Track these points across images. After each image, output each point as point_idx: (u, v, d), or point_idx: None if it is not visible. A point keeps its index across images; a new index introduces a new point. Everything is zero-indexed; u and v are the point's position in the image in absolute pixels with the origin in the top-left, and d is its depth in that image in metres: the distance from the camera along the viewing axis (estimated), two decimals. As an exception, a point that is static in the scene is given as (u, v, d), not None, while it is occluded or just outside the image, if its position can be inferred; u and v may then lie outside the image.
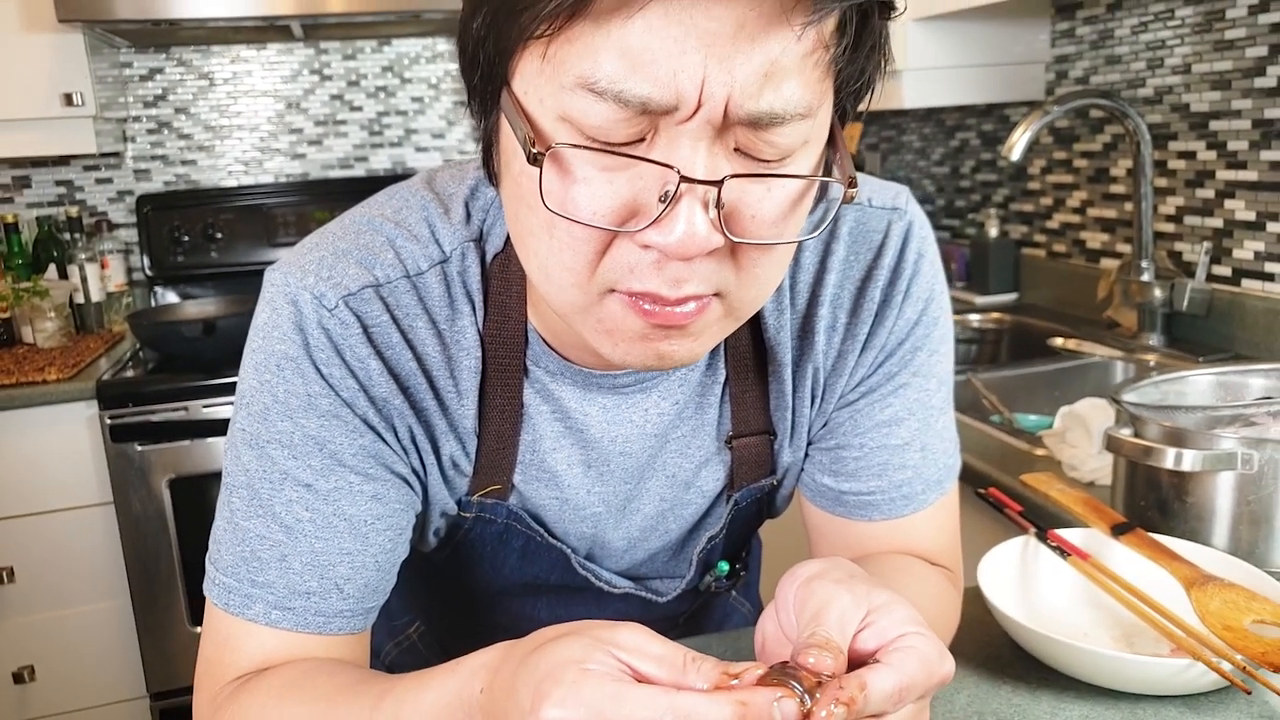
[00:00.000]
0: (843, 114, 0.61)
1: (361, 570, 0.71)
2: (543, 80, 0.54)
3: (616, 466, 0.78)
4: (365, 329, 0.69)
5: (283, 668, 0.69)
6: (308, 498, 0.69)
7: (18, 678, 2.25)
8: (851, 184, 0.58)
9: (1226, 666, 0.75)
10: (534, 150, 0.54)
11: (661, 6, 0.50)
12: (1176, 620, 0.82)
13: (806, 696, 0.49)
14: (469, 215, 0.73)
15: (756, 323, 0.77)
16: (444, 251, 0.71)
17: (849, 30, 0.55)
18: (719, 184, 0.53)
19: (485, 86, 0.59)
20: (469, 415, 0.73)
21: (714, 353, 0.77)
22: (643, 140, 0.54)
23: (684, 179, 0.53)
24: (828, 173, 0.60)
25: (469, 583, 0.87)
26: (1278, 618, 0.81)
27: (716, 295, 0.59)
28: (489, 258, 0.72)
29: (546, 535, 0.80)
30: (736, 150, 0.55)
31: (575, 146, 0.54)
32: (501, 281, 0.72)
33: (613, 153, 0.54)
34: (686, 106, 0.52)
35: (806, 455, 0.83)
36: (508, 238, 0.71)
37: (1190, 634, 0.79)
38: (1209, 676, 0.76)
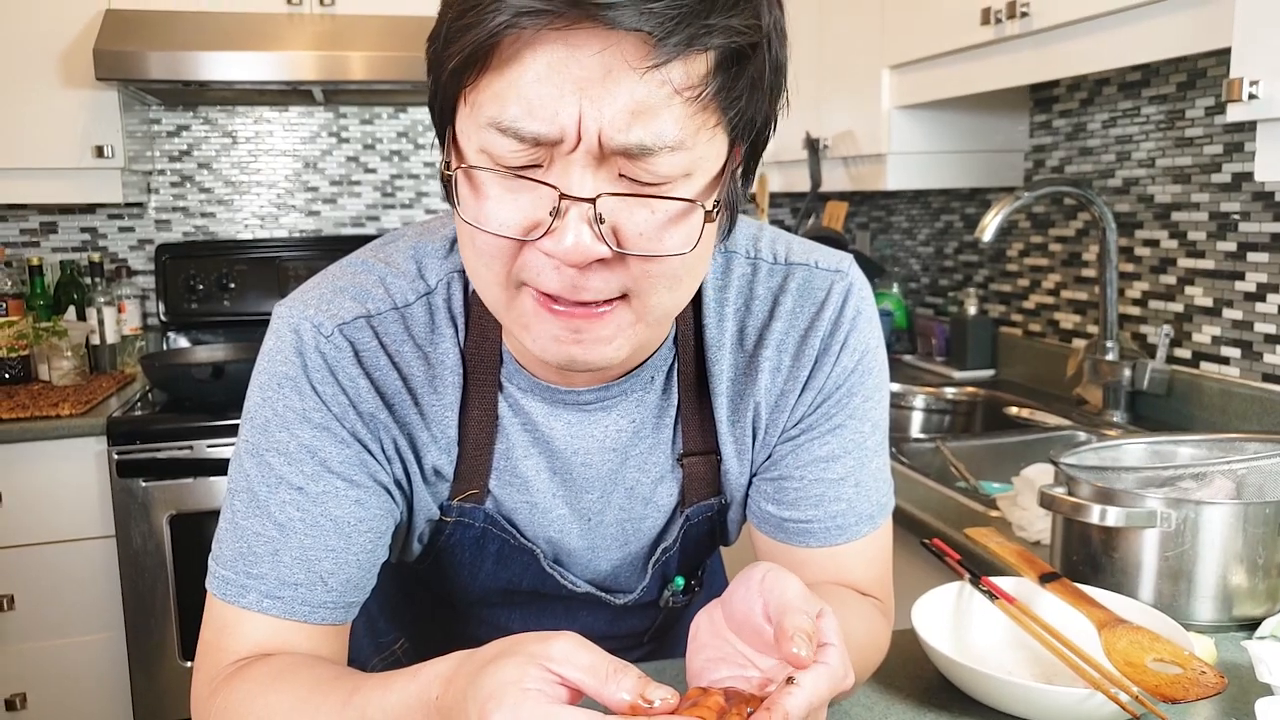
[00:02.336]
0: (752, 148, 0.71)
1: (344, 566, 0.80)
2: (469, 122, 0.66)
3: (579, 476, 0.88)
4: (356, 353, 0.80)
5: (269, 659, 0.77)
6: (299, 499, 0.78)
7: (10, 704, 2.31)
8: (719, 210, 0.68)
9: (1124, 698, 0.83)
10: (447, 172, 0.67)
11: (545, 57, 0.62)
12: (1084, 656, 0.90)
13: None
14: (451, 248, 0.84)
15: (703, 355, 0.87)
16: (429, 284, 0.83)
17: (720, 73, 0.64)
18: (593, 201, 0.64)
19: (441, 133, 0.72)
20: (451, 424, 0.83)
21: (669, 380, 0.88)
22: (540, 166, 0.65)
23: (564, 196, 0.64)
24: (718, 198, 0.70)
25: (449, 593, 0.96)
26: (1175, 657, 0.89)
27: (623, 299, 0.69)
28: (471, 286, 0.83)
29: (519, 536, 0.89)
30: (621, 176, 0.65)
31: (479, 169, 0.66)
32: (481, 306, 0.82)
33: (512, 175, 0.65)
34: (569, 140, 0.63)
35: (753, 484, 0.92)
36: None
37: (1095, 668, 0.88)
38: (1110, 707, 0.84)
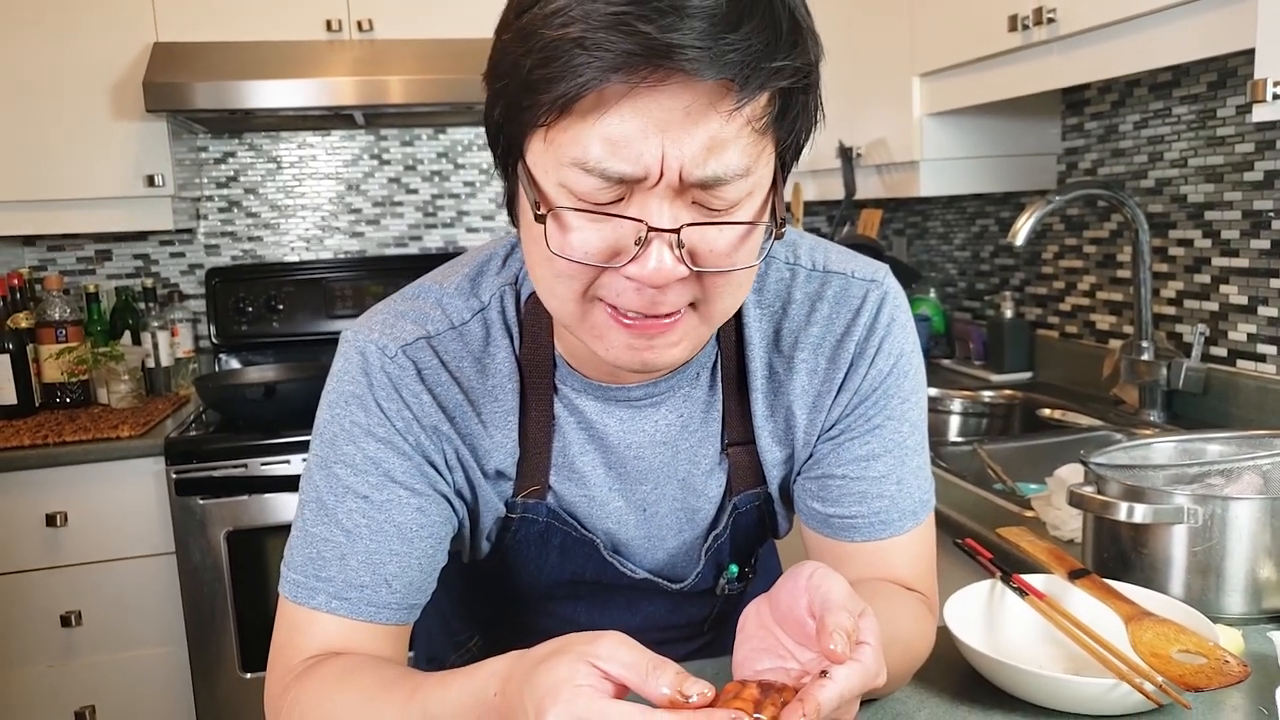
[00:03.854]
0: (784, 164, 0.77)
1: (407, 569, 0.86)
2: (546, 158, 0.71)
3: (633, 469, 0.94)
4: (419, 371, 0.87)
5: (336, 659, 0.83)
6: (365, 507, 0.85)
7: (80, 717, 2.39)
8: (781, 226, 0.75)
9: (1149, 687, 0.86)
10: (539, 212, 0.72)
11: (629, 104, 0.66)
12: (1111, 648, 0.92)
13: (760, 717, 0.61)
14: (505, 264, 0.92)
15: (742, 354, 0.93)
16: (483, 301, 0.90)
17: (777, 103, 0.70)
18: (677, 231, 0.70)
19: (505, 159, 0.77)
20: (511, 428, 0.90)
21: (713, 376, 0.93)
22: (621, 200, 0.70)
23: (651, 229, 0.69)
24: (773, 213, 0.76)
25: (518, 589, 1.02)
26: (1200, 648, 0.91)
27: (691, 306, 0.75)
28: (523, 297, 0.90)
29: (580, 529, 0.95)
30: (694, 203, 0.71)
31: (570, 209, 0.71)
32: (533, 316, 0.89)
33: (600, 213, 0.70)
34: (652, 177, 0.68)
35: (798, 483, 0.97)
36: None
37: (1121, 659, 0.90)
38: (1134, 697, 0.86)
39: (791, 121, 0.73)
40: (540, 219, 0.71)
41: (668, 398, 0.92)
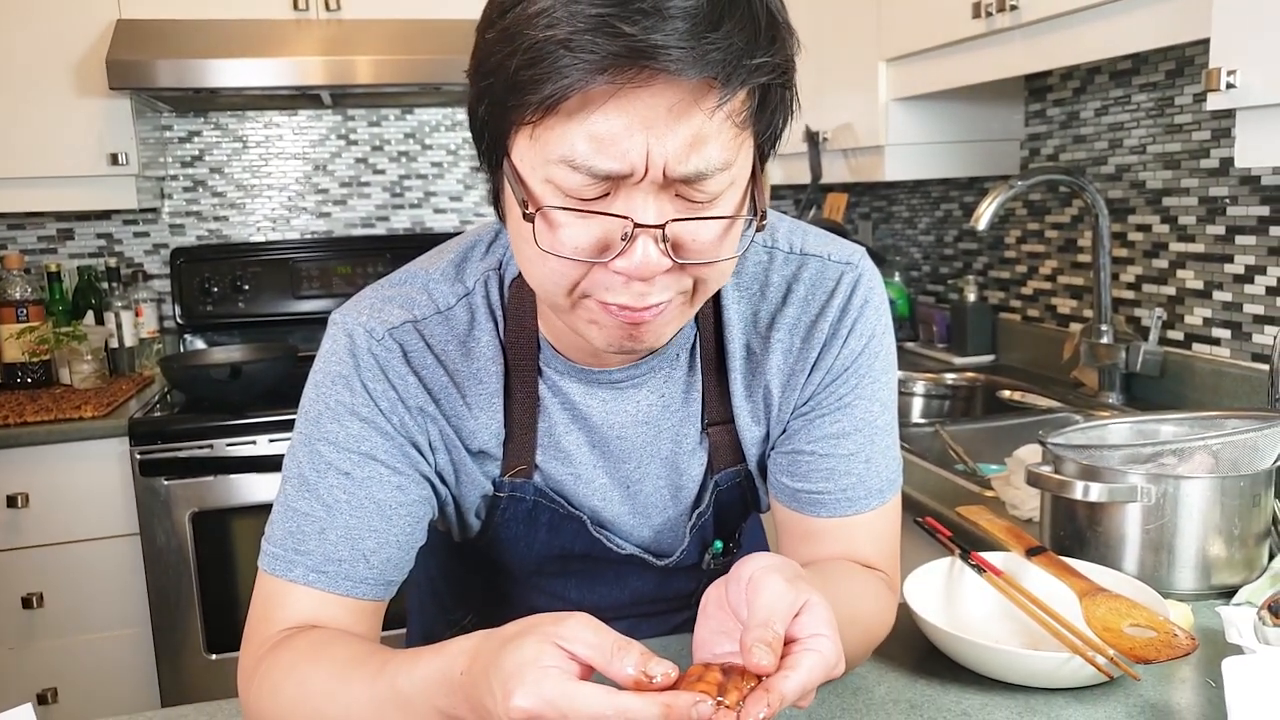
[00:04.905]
0: (762, 155, 0.79)
1: (385, 545, 0.87)
2: (532, 154, 0.72)
3: (616, 448, 0.96)
4: (405, 354, 0.88)
5: (309, 632, 0.84)
6: (346, 483, 0.86)
7: (42, 699, 2.38)
8: (762, 218, 0.77)
9: (1100, 660, 0.89)
10: (528, 211, 0.73)
11: (614, 103, 0.67)
12: (1065, 623, 0.95)
13: (723, 700, 0.63)
14: (489, 250, 0.93)
15: (721, 335, 0.95)
16: (467, 286, 0.91)
17: (756, 97, 0.72)
18: (662, 227, 0.71)
19: (490, 154, 0.78)
20: (496, 409, 0.92)
21: (692, 357, 0.96)
22: (607, 195, 0.71)
23: (637, 225, 0.71)
24: (751, 203, 0.78)
25: (509, 565, 1.03)
26: (1151, 622, 0.94)
27: (680, 292, 0.77)
28: (507, 282, 0.92)
29: (567, 505, 0.97)
30: (677, 196, 0.72)
31: (558, 208, 0.72)
32: (517, 300, 0.91)
33: (587, 210, 0.72)
34: (637, 174, 0.70)
35: (771, 458, 0.99)
36: None
37: (1075, 633, 0.93)
38: (1088, 670, 0.89)
39: (770, 114, 0.75)
40: (529, 218, 0.73)
41: (649, 379, 0.94)
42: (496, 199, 0.82)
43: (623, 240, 0.71)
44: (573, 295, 0.77)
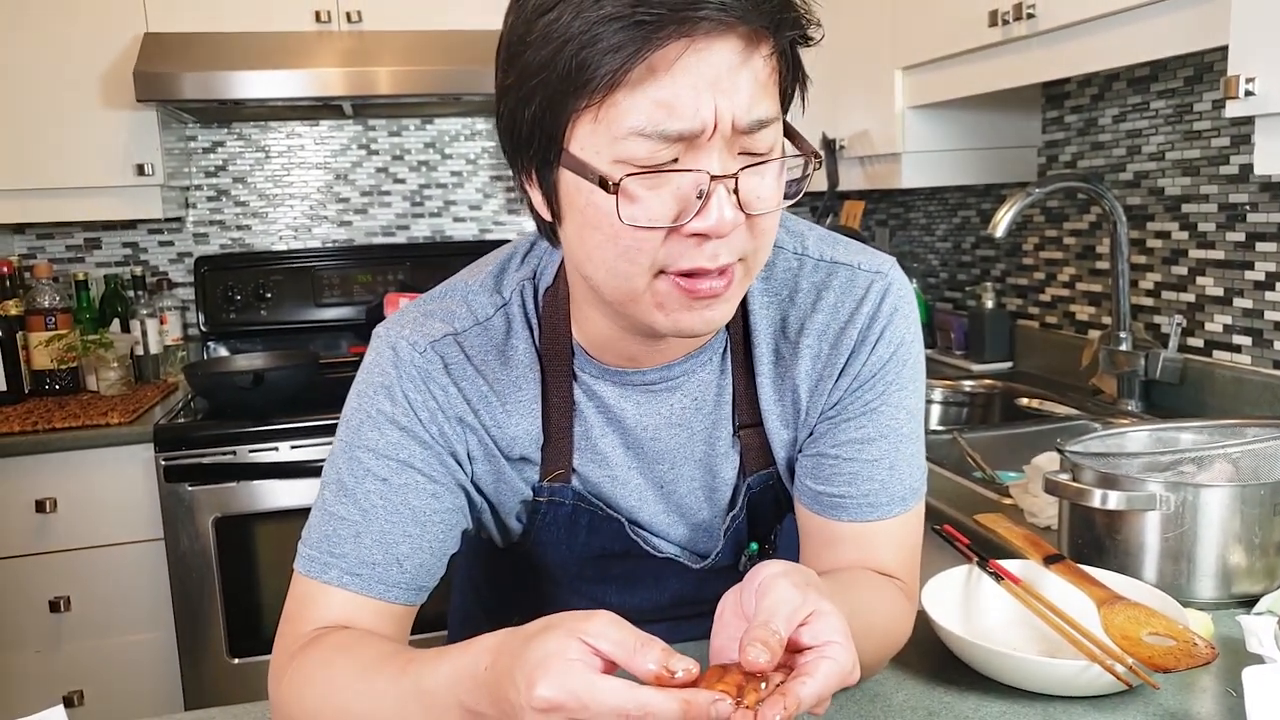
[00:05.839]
0: (785, 109, 0.82)
1: (418, 551, 0.90)
2: (597, 137, 0.73)
3: (650, 450, 0.98)
4: (446, 366, 0.91)
5: (339, 632, 0.86)
6: (382, 489, 0.89)
7: (68, 702, 2.41)
8: (816, 155, 0.79)
9: (1119, 668, 0.89)
10: (611, 183, 0.73)
11: (679, 65, 0.70)
12: (1084, 631, 0.96)
13: (742, 701, 0.64)
14: (524, 261, 0.96)
15: (748, 339, 0.97)
16: (504, 297, 0.94)
17: (788, 55, 0.77)
18: (735, 176, 0.74)
19: (543, 154, 0.78)
20: (534, 415, 0.94)
21: (724, 360, 0.97)
22: (677, 160, 0.74)
23: (713, 177, 0.73)
24: (799, 146, 0.81)
25: (551, 569, 1.05)
26: (1170, 631, 0.94)
27: (740, 260, 0.79)
28: (541, 290, 0.94)
29: (605, 508, 0.99)
30: (740, 153, 0.75)
31: (634, 174, 0.73)
32: (551, 307, 0.93)
33: (662, 171, 0.73)
34: (708, 130, 0.72)
35: (797, 461, 1.00)
36: (556, 273, 0.94)
37: (1093, 641, 0.93)
38: (1106, 678, 0.89)
39: (794, 69, 0.79)
40: (613, 189, 0.73)
41: (682, 381, 0.96)
42: (550, 203, 0.81)
43: (698, 199, 0.73)
44: (648, 274, 0.78)
